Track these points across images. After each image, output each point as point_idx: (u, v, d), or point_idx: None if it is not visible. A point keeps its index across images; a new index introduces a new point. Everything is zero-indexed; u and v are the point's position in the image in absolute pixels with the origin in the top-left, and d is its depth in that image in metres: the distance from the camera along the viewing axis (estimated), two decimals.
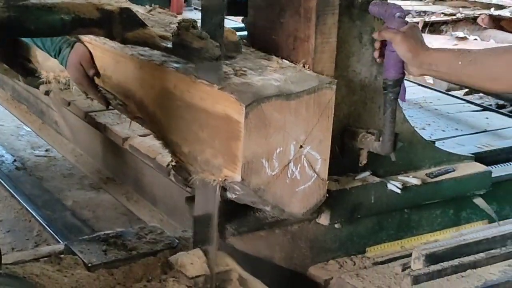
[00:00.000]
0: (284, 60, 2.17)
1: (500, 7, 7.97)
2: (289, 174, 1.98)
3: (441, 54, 1.88)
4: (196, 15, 5.93)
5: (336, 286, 2.16)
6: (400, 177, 2.38)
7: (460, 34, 7.30)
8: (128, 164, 3.36)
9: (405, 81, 2.07)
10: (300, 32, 2.16)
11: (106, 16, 1.94)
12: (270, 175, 1.94)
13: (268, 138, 1.91)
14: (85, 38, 2.44)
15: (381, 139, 2.16)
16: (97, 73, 2.42)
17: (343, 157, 2.25)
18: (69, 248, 2.15)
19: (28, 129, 5.04)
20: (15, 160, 4.59)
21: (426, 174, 2.44)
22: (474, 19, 7.78)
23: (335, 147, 2.19)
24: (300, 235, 2.27)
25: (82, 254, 2.11)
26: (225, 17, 2.04)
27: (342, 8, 2.15)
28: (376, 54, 2.05)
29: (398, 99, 2.08)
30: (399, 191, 2.30)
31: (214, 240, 2.11)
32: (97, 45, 2.40)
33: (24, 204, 3.65)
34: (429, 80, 5.17)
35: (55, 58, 2.47)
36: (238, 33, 2.22)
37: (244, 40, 2.33)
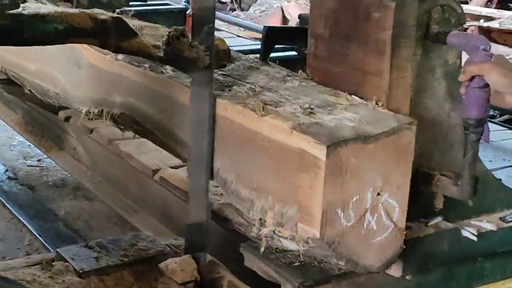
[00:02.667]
0: (353, 96, 2.04)
1: (489, 18, 8.05)
2: (365, 224, 1.84)
3: None
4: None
5: None
6: (473, 222, 2.23)
7: None
8: (155, 195, 3.01)
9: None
10: (371, 65, 2.02)
11: (100, 26, 1.96)
12: (346, 226, 1.80)
13: (344, 186, 1.78)
14: None
15: (459, 183, 2.00)
16: None
17: (414, 201, 2.01)
18: (60, 255, 2.17)
19: (21, 139, 5.06)
20: (7, 170, 4.61)
21: (500, 218, 2.28)
22: (464, 31, 7.84)
23: None
24: (367, 286, 2.10)
25: (73, 261, 2.12)
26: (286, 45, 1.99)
27: (416, 39, 2.02)
28: (463, 90, 1.90)
29: (481, 140, 1.95)
30: (474, 238, 2.18)
31: (205, 247, 2.14)
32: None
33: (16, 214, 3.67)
34: None
35: None
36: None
37: (301, 72, 2.25)
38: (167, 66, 2.36)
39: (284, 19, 9.28)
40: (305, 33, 2.23)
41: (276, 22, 9.27)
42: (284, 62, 2.59)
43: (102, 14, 2.00)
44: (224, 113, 2.04)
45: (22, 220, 3.61)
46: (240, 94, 2.07)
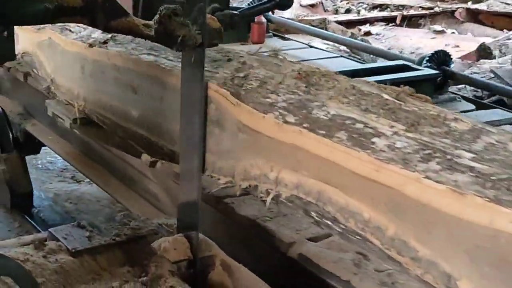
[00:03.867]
0: None
1: (477, 0, 8.07)
2: None
3: None
4: (278, 42, 5.59)
5: None
6: None
7: (438, 27, 7.39)
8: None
9: None
10: None
11: (89, 5, 1.96)
12: None
13: None
14: None
15: None
16: None
17: None
18: (53, 235, 2.17)
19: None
20: None
21: None
22: (452, 13, 7.87)
23: None
24: None
25: (65, 240, 2.13)
26: None
27: None
28: None
29: None
30: None
31: (197, 226, 2.14)
32: None
33: None
34: None
35: None
36: None
37: None
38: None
39: None
40: None
41: None
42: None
43: None
44: None
45: None
46: None
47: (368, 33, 7.51)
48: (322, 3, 8.58)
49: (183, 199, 2.19)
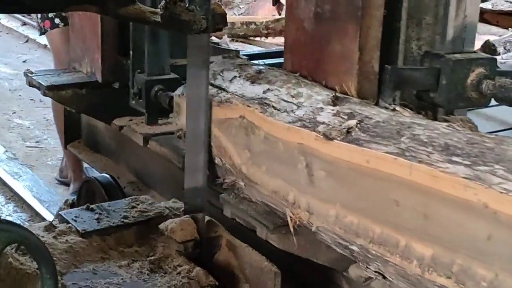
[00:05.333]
0: None
1: (482, 0, 8.11)
2: None
3: None
4: None
5: None
6: None
7: None
8: None
9: None
10: None
11: None
12: None
13: None
14: None
15: None
16: None
17: None
18: (63, 218, 2.23)
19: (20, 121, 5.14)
20: (6, 151, 4.67)
21: None
22: None
23: None
24: None
25: (75, 222, 2.19)
26: None
27: None
28: None
29: None
30: None
31: (203, 208, 2.19)
32: None
33: None
34: None
35: None
36: None
37: None
38: None
39: (279, 5, 9.28)
40: None
41: (271, 8, 9.28)
42: None
43: None
44: None
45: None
46: None
47: None
48: None
49: (188, 184, 2.22)
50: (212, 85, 2.23)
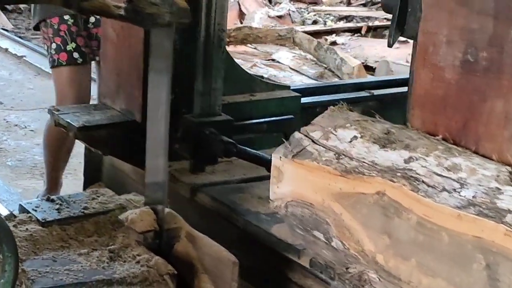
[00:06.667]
0: None
1: None
2: None
3: None
4: None
5: None
6: None
7: (401, 38, 7.57)
8: None
9: None
10: None
11: None
12: None
13: None
14: None
15: None
16: None
17: None
18: (23, 207, 2.24)
19: None
20: None
21: None
22: None
23: None
24: None
25: (36, 212, 2.20)
26: None
27: None
28: None
29: None
30: None
31: (163, 200, 2.23)
32: None
33: None
34: None
35: None
36: None
37: None
38: None
39: (241, 13, 9.36)
40: None
41: (233, 16, 9.34)
42: None
43: None
44: None
45: None
46: None
47: (334, 43, 7.69)
48: (289, 14, 8.74)
49: (149, 179, 2.24)
50: (325, 147, 1.81)
